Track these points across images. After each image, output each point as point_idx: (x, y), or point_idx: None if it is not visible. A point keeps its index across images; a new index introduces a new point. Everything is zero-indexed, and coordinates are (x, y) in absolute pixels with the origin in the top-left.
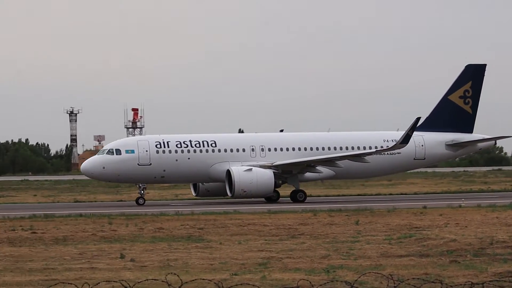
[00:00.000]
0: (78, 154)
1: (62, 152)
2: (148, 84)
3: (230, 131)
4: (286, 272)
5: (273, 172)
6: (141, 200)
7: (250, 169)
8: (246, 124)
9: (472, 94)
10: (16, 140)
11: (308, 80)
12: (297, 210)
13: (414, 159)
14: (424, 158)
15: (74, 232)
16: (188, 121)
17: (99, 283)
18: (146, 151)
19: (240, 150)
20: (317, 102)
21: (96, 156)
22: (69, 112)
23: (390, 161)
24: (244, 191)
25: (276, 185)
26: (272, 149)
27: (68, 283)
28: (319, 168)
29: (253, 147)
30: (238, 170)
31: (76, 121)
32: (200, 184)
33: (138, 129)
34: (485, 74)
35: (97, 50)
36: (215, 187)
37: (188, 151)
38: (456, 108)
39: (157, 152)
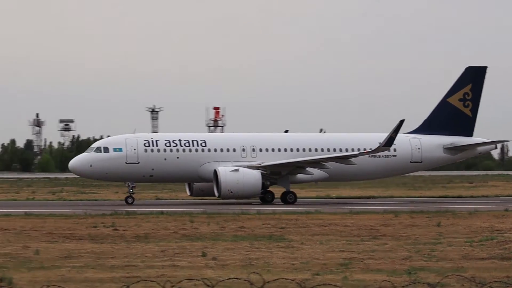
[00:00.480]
0: None
1: None
2: (232, 84)
3: (309, 131)
4: (367, 273)
5: (261, 173)
6: (129, 199)
7: (237, 170)
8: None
9: (472, 97)
10: (98, 138)
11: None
12: (378, 211)
13: (411, 162)
14: (421, 162)
15: (156, 229)
16: (270, 120)
17: (181, 281)
18: (134, 149)
19: (231, 150)
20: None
21: (84, 153)
22: (150, 110)
23: (385, 164)
24: (231, 192)
25: (264, 186)
26: (264, 150)
27: (150, 281)
28: (309, 169)
29: (244, 147)
30: (224, 170)
31: (157, 118)
32: (194, 183)
33: (219, 128)
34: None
35: (180, 51)
36: (209, 187)
37: (177, 150)
38: (455, 111)
39: (146, 150)
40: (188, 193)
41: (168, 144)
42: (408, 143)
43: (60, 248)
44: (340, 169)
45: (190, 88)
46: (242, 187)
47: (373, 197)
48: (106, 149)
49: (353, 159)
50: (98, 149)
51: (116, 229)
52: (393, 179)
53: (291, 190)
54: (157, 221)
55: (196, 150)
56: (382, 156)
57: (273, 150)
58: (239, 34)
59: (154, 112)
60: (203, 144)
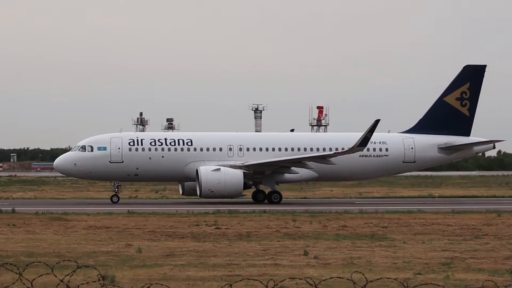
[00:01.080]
0: None
1: None
2: (334, 83)
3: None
4: (469, 272)
5: (244, 172)
6: (115, 198)
7: (219, 169)
8: None
9: (470, 96)
10: None
11: None
12: (481, 211)
13: (403, 161)
14: (414, 161)
15: (258, 228)
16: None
17: (283, 280)
18: (119, 148)
19: (217, 149)
20: None
21: (69, 152)
22: (254, 109)
23: (378, 164)
24: (212, 191)
25: (247, 185)
26: (251, 149)
27: (252, 279)
28: (296, 169)
29: (231, 147)
30: (206, 170)
31: (261, 118)
32: (185, 183)
33: (323, 127)
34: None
35: (284, 51)
36: None
37: (162, 149)
38: (452, 110)
39: (130, 149)
40: (181, 192)
41: (153, 143)
42: (401, 142)
43: (162, 246)
44: (330, 169)
45: (294, 87)
46: (224, 186)
47: (476, 196)
48: (90, 148)
49: (338, 159)
50: (82, 148)
51: (218, 228)
52: (496, 179)
53: (276, 190)
54: (259, 219)
55: (182, 150)
56: (374, 156)
57: (260, 149)
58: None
59: (257, 112)
60: (189, 143)
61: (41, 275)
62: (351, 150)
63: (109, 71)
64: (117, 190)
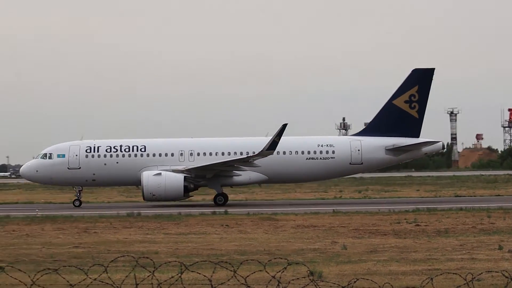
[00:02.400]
0: (458, 152)
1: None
2: None
3: None
4: None
5: (185, 176)
6: (76, 202)
7: (160, 174)
8: None
9: (418, 99)
10: None
11: None
12: None
13: (350, 163)
14: (362, 163)
15: (455, 224)
16: None
17: (481, 273)
18: (76, 155)
19: (169, 155)
20: None
21: (32, 160)
22: (449, 113)
23: (324, 166)
24: (153, 195)
25: (188, 189)
26: (201, 154)
27: (452, 273)
28: (241, 172)
29: (182, 152)
30: (147, 175)
31: (456, 121)
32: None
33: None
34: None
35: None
36: None
37: (117, 155)
38: (401, 113)
39: (87, 156)
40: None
41: (108, 150)
42: (348, 145)
43: (366, 243)
44: (278, 171)
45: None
46: (164, 190)
47: None
48: (50, 156)
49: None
50: (44, 156)
51: (418, 225)
52: None
53: (222, 192)
54: (456, 216)
55: (135, 155)
56: (321, 158)
57: (210, 154)
58: None
59: (452, 115)
60: (143, 149)
61: (254, 272)
62: (260, 154)
63: None
64: (79, 195)
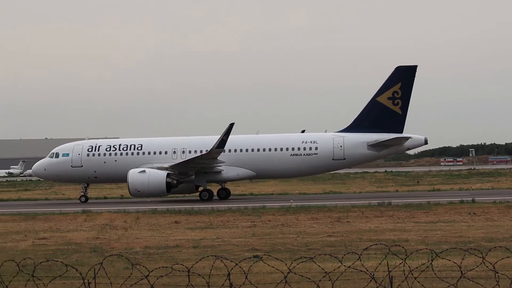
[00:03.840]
0: None
1: None
2: None
3: None
4: None
5: (168, 173)
6: (82, 198)
7: (144, 171)
8: None
9: (401, 95)
10: None
11: None
12: None
13: (333, 159)
14: (344, 159)
15: None
16: None
17: None
18: (79, 154)
19: (163, 153)
20: None
21: (43, 159)
22: None
23: (308, 162)
24: (138, 191)
25: (171, 185)
26: (192, 151)
27: None
28: (219, 168)
29: (175, 150)
30: (133, 172)
31: None
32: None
33: None
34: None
35: None
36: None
37: (116, 154)
38: (384, 109)
39: (88, 155)
40: None
41: (108, 149)
42: (331, 141)
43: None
44: (265, 168)
45: None
46: (147, 186)
47: None
48: (57, 155)
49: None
50: (52, 155)
51: None
52: None
53: (206, 188)
54: None
55: (132, 154)
56: (305, 155)
57: (201, 151)
58: None
59: None
60: (140, 148)
61: (502, 259)
62: (210, 153)
63: None
64: (85, 192)
